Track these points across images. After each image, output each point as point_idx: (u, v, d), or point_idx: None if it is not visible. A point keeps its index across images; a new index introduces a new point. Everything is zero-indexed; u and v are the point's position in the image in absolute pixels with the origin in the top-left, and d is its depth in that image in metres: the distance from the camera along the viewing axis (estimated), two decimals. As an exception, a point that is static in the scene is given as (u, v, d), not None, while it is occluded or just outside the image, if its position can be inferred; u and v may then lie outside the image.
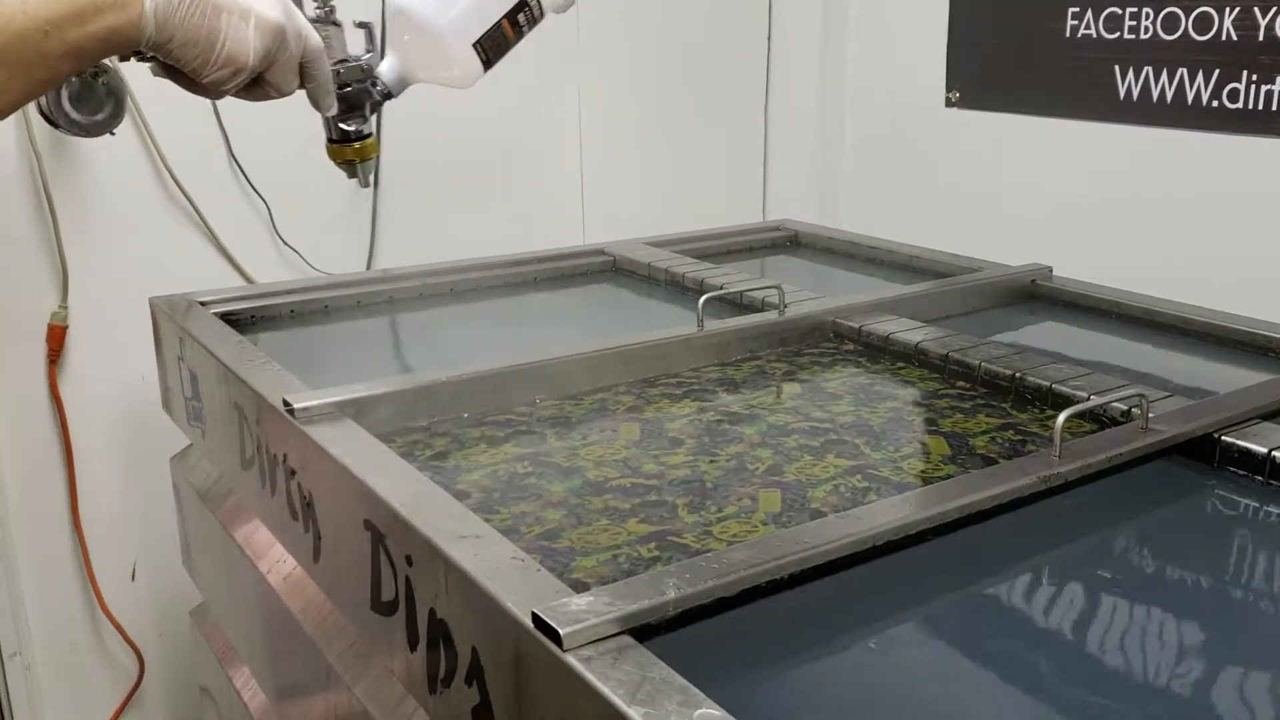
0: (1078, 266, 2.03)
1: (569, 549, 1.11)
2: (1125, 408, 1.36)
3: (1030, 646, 0.98)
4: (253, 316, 1.87)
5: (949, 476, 1.25)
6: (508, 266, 2.08)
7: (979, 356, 1.55)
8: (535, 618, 0.88)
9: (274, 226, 2.41)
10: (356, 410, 1.37)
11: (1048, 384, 1.46)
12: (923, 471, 1.28)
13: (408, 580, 1.10)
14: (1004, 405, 1.47)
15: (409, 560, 1.09)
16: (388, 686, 1.21)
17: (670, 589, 0.92)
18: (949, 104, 2.55)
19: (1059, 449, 1.20)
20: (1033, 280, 1.99)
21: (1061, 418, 1.19)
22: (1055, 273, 2.01)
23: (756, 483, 1.26)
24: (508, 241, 2.39)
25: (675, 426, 1.43)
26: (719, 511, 1.19)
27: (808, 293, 1.83)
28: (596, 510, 1.19)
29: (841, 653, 0.98)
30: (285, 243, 2.42)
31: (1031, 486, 1.15)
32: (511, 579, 0.96)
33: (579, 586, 1.02)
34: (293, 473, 1.37)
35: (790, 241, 2.43)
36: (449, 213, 2.56)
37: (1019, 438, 1.37)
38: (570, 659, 0.85)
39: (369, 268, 2.50)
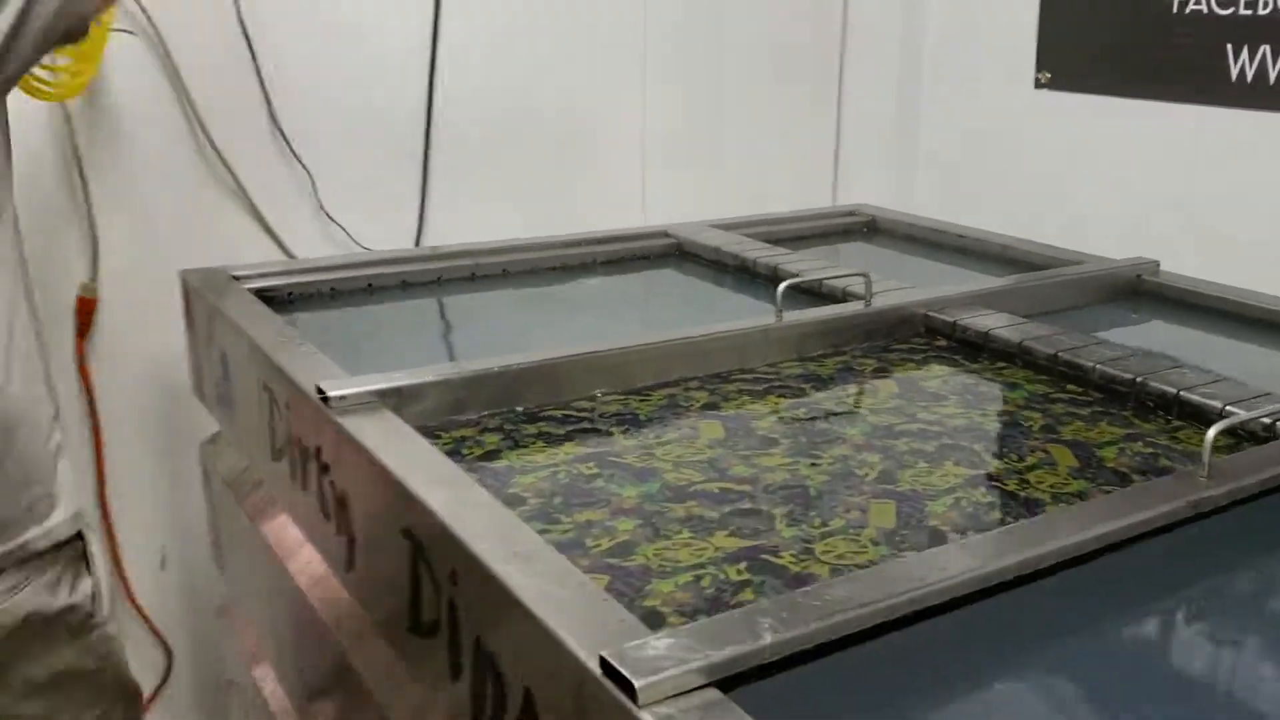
0: (1182, 262, 1.85)
1: (643, 568, 0.95)
2: (1270, 421, 1.19)
3: (1196, 703, 0.82)
4: (290, 294, 1.73)
5: (1081, 493, 1.09)
6: (565, 248, 1.93)
7: (1092, 357, 1.38)
8: (604, 664, 0.73)
9: (317, 198, 2.27)
10: (398, 401, 1.22)
11: (1174, 391, 1.29)
12: (1052, 486, 1.11)
13: (451, 602, 0.95)
14: (1124, 413, 1.30)
15: (453, 578, 0.94)
16: (428, 715, 1.06)
17: (766, 632, 0.76)
18: (1039, 85, 2.36)
19: (1208, 468, 1.03)
20: (1138, 275, 1.81)
21: (1212, 433, 1.02)
22: (1162, 268, 1.83)
23: (866, 491, 1.10)
24: (563, 221, 2.24)
25: (764, 425, 1.27)
26: (823, 525, 1.03)
27: (895, 282, 1.66)
28: (677, 519, 1.04)
29: (965, 706, 0.82)
30: (329, 216, 2.28)
31: (1179, 512, 0.99)
32: (574, 609, 0.81)
33: (654, 618, 0.87)
34: (325, 468, 1.22)
35: (867, 227, 2.26)
36: (502, 189, 2.41)
37: (1149, 450, 1.20)
38: (646, 716, 0.70)
39: (417, 245, 2.36)
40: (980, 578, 0.86)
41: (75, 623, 1.39)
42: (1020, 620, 0.89)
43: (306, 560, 1.42)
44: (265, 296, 1.69)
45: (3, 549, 1.28)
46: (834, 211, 2.32)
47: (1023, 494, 1.10)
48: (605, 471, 1.14)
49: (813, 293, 1.70)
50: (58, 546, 1.35)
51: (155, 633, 2.34)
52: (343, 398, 1.19)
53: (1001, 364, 1.46)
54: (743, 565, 0.96)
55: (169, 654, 2.37)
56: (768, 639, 0.76)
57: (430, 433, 1.22)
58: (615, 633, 0.78)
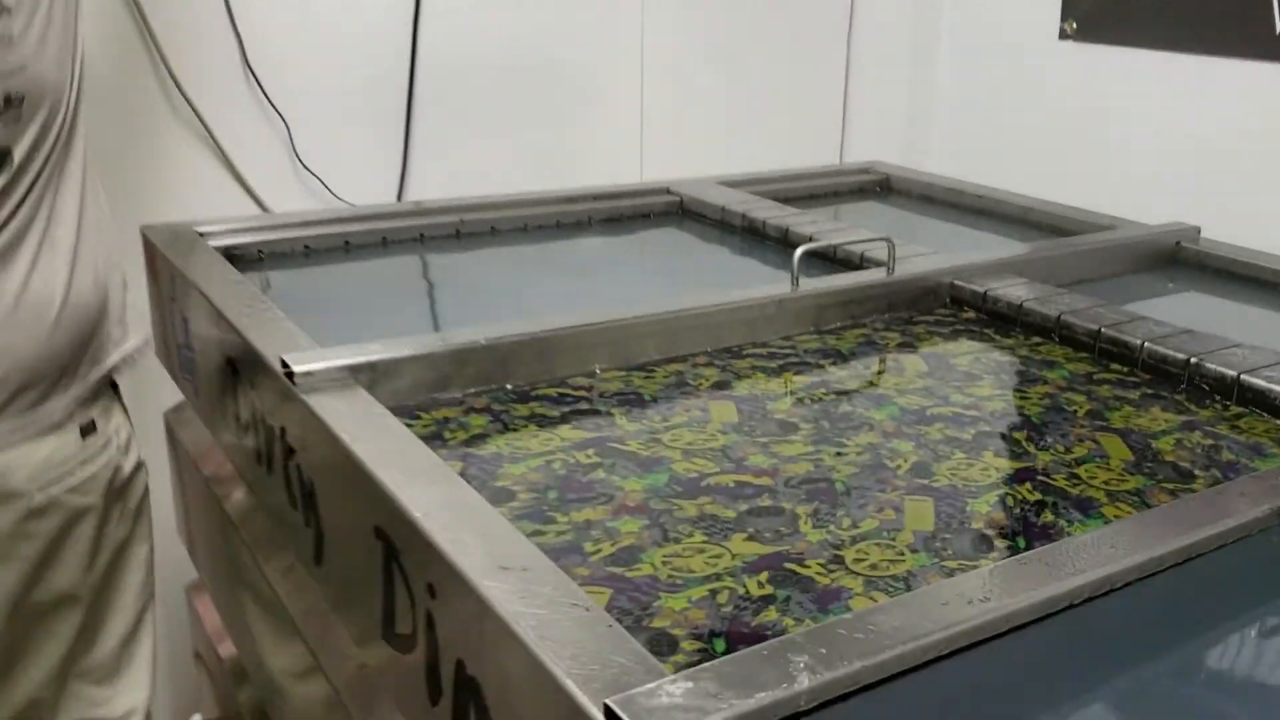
0: (1221, 228, 1.72)
1: (650, 580, 0.83)
2: (1346, 410, 1.07)
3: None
4: (260, 252, 1.60)
5: (1139, 491, 0.97)
6: (559, 204, 1.80)
7: (1139, 334, 1.26)
8: (609, 713, 0.60)
9: (294, 149, 2.13)
10: (373, 377, 1.09)
11: (1233, 374, 1.17)
12: (1106, 483, 0.99)
13: (429, 616, 0.82)
14: (1177, 397, 1.18)
15: (431, 591, 0.81)
16: (403, 733, 0.94)
17: (802, 673, 0.64)
18: (1064, 35, 2.22)
19: (1289, 466, 0.91)
20: (1177, 243, 1.68)
21: (1295, 425, 0.90)
22: (1203, 235, 1.70)
23: (900, 487, 0.98)
24: (556, 176, 2.10)
25: (781, 407, 1.14)
26: (853, 527, 0.91)
27: (917, 248, 1.53)
28: (688, 519, 0.91)
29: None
30: (306, 168, 2.14)
31: (1261, 521, 0.87)
32: (572, 639, 0.68)
33: (665, 643, 0.75)
34: (291, 451, 1.10)
35: (880, 186, 2.13)
36: (491, 140, 2.26)
37: (1210, 442, 1.08)
38: (663, 782, 0.57)
39: (399, 199, 2.22)
40: (1045, 601, 0.73)
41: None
42: (1092, 644, 0.77)
43: (276, 548, 1.30)
44: (232, 255, 1.56)
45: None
46: (846, 169, 2.18)
47: (1074, 491, 0.97)
48: (606, 461, 1.01)
49: (827, 258, 1.57)
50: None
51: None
52: (309, 374, 1.06)
53: (1037, 339, 1.34)
54: (764, 576, 0.84)
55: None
56: (804, 683, 0.63)
57: (409, 413, 1.09)
58: (621, 669, 0.65)
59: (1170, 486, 0.98)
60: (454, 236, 1.71)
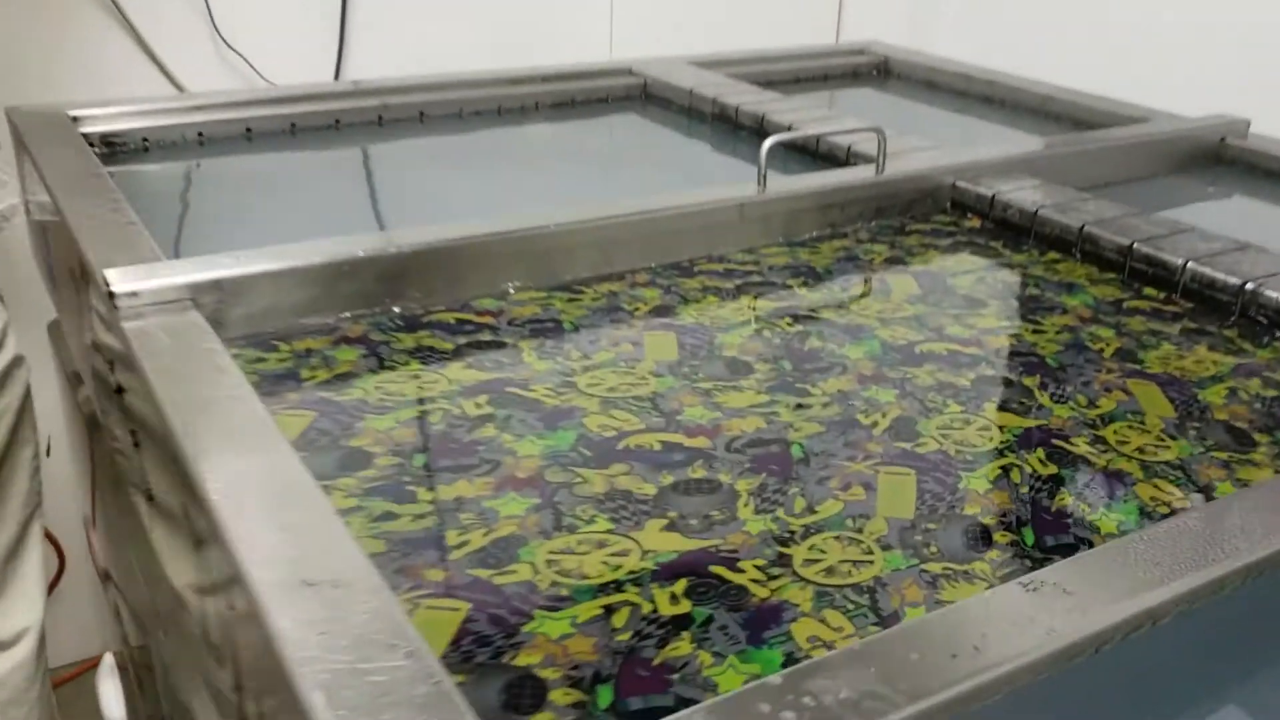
0: (1274, 121, 1.47)
1: (526, 589, 0.61)
2: None
3: None
4: (145, 141, 1.35)
5: (1182, 464, 0.75)
6: (501, 86, 1.55)
7: (1181, 251, 1.02)
8: None
9: (213, 24, 1.87)
10: (220, 298, 0.87)
11: (1297, 302, 0.94)
12: (1141, 449, 0.77)
13: (229, 629, 0.61)
14: (1226, 332, 0.95)
15: (230, 603, 0.60)
16: None
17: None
18: (1094, -100, 1.94)
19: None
20: (1222, 138, 1.43)
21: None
22: (1252, 130, 1.45)
23: (875, 454, 0.76)
24: (516, 54, 1.85)
25: (734, 341, 0.92)
26: (809, 511, 0.69)
27: (914, 141, 1.29)
28: (593, 498, 0.70)
29: None
30: (227, 44, 1.88)
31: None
32: (369, 705, 0.47)
33: (529, 694, 0.53)
34: (120, 390, 0.88)
35: (878, 70, 1.87)
36: (442, 15, 2.00)
37: (1272, 393, 0.85)
38: None
39: (336, 79, 1.97)
40: (1069, 648, 0.52)
41: None
42: (1128, 682, 0.55)
43: (134, 488, 1.08)
44: (111, 143, 1.32)
45: None
46: (839, 50, 1.91)
47: (1100, 461, 0.76)
48: (501, 412, 0.79)
49: (807, 151, 1.33)
50: None
51: (44, 531, 2.02)
52: (134, 294, 0.84)
53: (1055, 255, 1.11)
54: (681, 585, 0.62)
55: (60, 554, 2.07)
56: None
57: (265, 344, 0.87)
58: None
59: (1223, 457, 0.76)
60: (375, 124, 1.47)
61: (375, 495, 0.69)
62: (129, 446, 0.90)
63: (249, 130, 1.41)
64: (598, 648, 0.57)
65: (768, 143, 1.08)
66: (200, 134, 1.39)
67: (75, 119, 1.33)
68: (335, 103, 1.46)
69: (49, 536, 2.01)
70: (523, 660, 0.56)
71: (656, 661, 0.56)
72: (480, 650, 0.56)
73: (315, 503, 0.62)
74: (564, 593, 0.61)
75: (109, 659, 1.47)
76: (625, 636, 0.58)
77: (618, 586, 0.62)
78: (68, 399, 1.47)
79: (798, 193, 1.12)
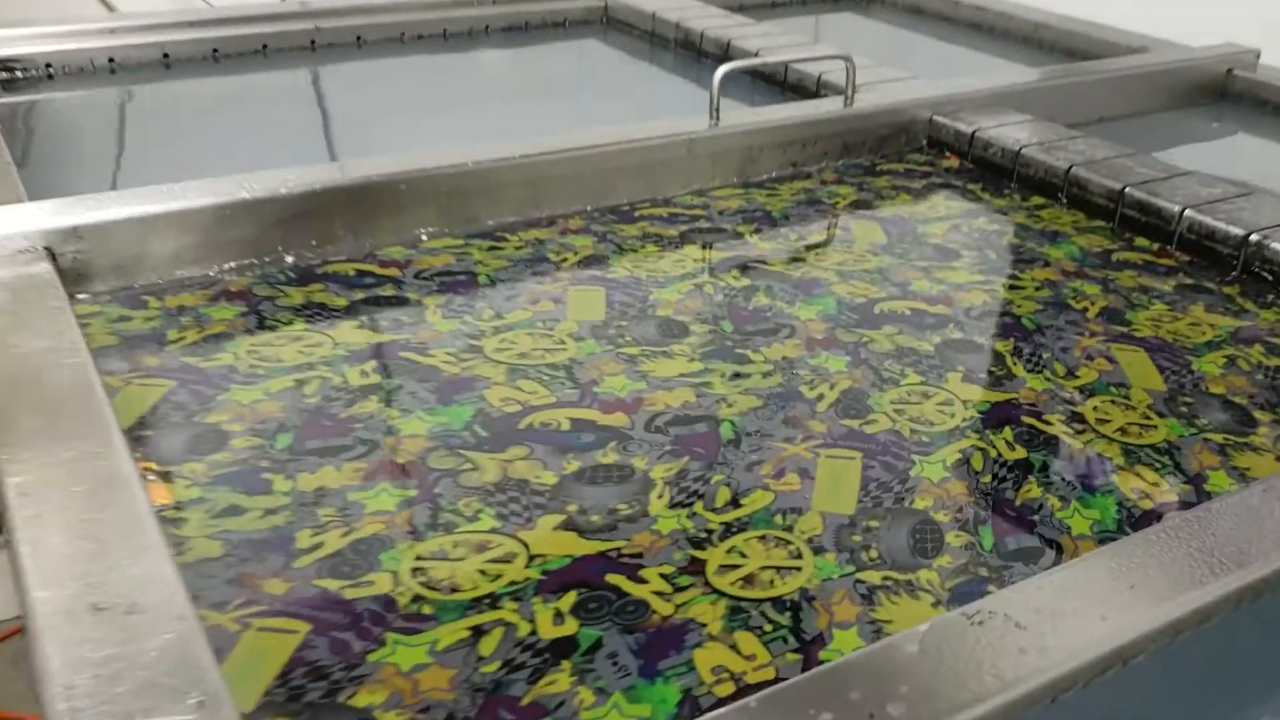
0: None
1: (382, 605, 0.51)
2: None
3: None
4: (49, 67, 1.24)
5: (1171, 448, 0.65)
6: (448, 9, 1.42)
7: (1177, 197, 0.92)
8: None
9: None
10: (82, 247, 0.76)
11: (1307, 255, 0.83)
12: (1124, 430, 0.67)
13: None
14: (1226, 288, 0.85)
15: (23, 627, 0.50)
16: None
17: None
18: None
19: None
20: (1229, 70, 1.32)
21: None
22: (1262, 60, 1.33)
23: (817, 434, 0.66)
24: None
25: (670, 298, 0.81)
26: (732, 504, 0.59)
27: (888, 71, 1.17)
28: (481, 489, 0.60)
29: None
30: (162, -37, 1.75)
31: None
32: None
33: (359, 748, 0.44)
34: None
35: (860, -4, 1.74)
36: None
37: (1276, 362, 0.75)
38: None
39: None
40: (1021, 697, 0.42)
41: None
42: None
43: None
44: (10, 69, 1.21)
45: None
46: (819, -27, 1.79)
47: (1076, 444, 0.65)
48: (390, 382, 0.69)
49: (772, 80, 1.22)
50: None
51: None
52: (-22, 241, 0.73)
53: (1039, 200, 1.00)
54: (570, 599, 0.52)
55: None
56: None
57: (134, 299, 0.77)
58: None
59: (1218, 440, 0.66)
60: (308, 49, 1.35)
61: (223, 484, 0.59)
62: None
63: (166, 56, 1.29)
64: (456, 683, 0.47)
65: (720, 71, 0.97)
66: (112, 60, 1.27)
67: (-28, 42, 1.21)
68: (263, 26, 1.34)
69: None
70: (362, 699, 0.46)
71: (525, 701, 0.46)
72: (313, 685, 0.47)
73: (131, 502, 0.51)
74: (426, 610, 0.51)
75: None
76: (492, 668, 0.48)
77: (492, 602, 0.52)
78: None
79: (754, 127, 1.01)
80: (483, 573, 0.53)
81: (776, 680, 0.48)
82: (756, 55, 1.22)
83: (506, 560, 0.54)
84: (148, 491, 0.53)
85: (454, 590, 0.52)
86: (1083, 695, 0.44)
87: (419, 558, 0.54)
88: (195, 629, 0.44)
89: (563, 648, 0.49)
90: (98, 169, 1.03)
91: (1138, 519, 0.59)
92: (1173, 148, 1.17)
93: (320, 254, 0.83)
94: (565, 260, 0.86)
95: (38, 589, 0.46)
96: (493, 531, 0.56)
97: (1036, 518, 0.59)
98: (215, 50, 1.30)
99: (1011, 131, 1.05)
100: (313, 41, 1.34)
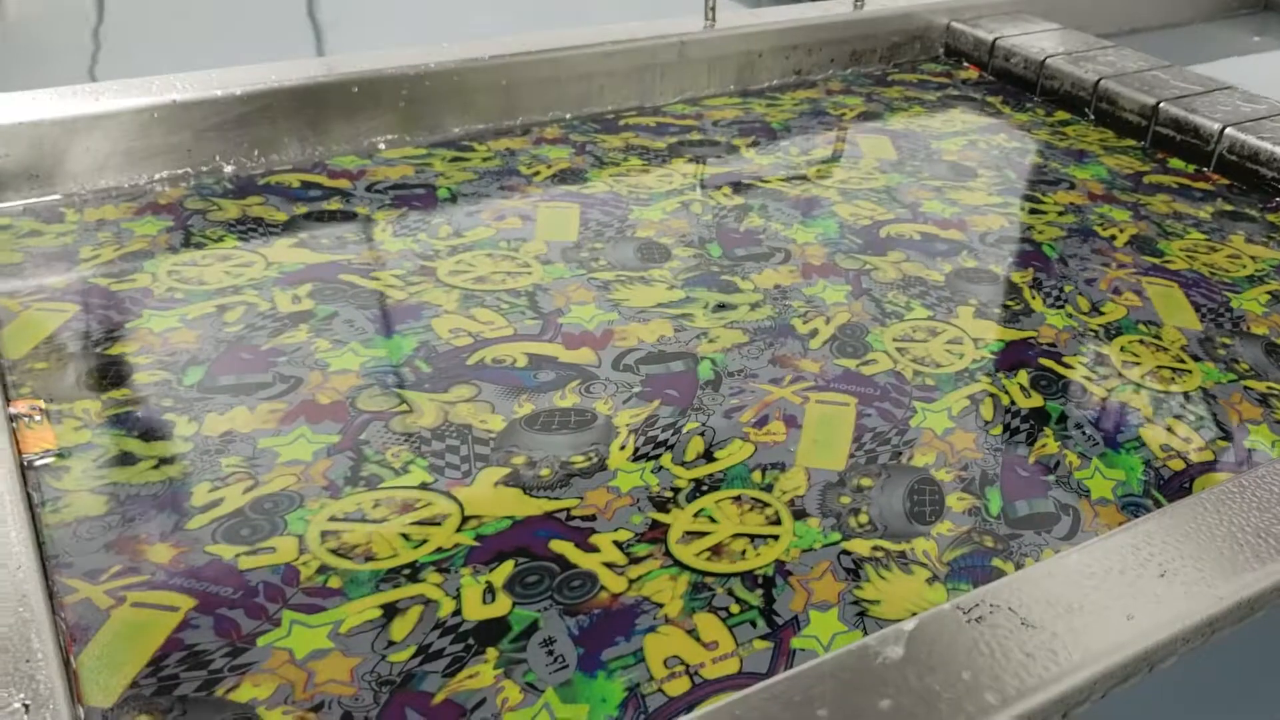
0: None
1: (284, 575, 0.44)
2: None
3: None
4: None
5: (1206, 395, 0.57)
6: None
7: (1217, 114, 0.82)
8: None
9: None
10: (9, 149, 0.68)
11: (1362, 180, 0.74)
12: (1154, 374, 0.59)
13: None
14: (1270, 216, 0.76)
15: None
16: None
17: None
18: None
19: None
20: (1275, -23, 1.21)
21: None
22: (1311, -34, 1.23)
23: (809, 376, 0.58)
24: None
25: (652, 218, 0.73)
26: (705, 457, 0.52)
27: (905, -28, 1.07)
28: (414, 434, 0.52)
29: None
30: None
31: None
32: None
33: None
34: None
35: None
36: None
37: (1326, 300, 0.67)
38: None
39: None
40: (1074, 690, 0.35)
41: None
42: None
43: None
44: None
45: None
46: None
47: (1098, 391, 0.57)
48: (323, 308, 0.61)
49: (780, -16, 1.11)
50: None
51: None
52: None
53: (1064, 115, 0.91)
54: (506, 570, 0.45)
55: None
56: None
57: (51, 211, 0.69)
58: None
59: (1260, 389, 0.58)
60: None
61: (118, 426, 0.51)
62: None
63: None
64: (359, 675, 0.40)
65: (715, -34, 0.87)
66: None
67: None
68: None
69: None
70: (244, 693, 0.39)
71: (438, 699, 0.39)
72: (188, 675, 0.40)
73: (-8, 450, 0.44)
74: (333, 583, 0.44)
75: None
76: (404, 655, 0.41)
77: (412, 574, 0.44)
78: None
79: (754, 30, 0.91)
80: (405, 537, 0.46)
81: (740, 675, 0.40)
82: (761, -47, 1.12)
83: (435, 523, 0.47)
84: (23, 438, 0.46)
85: (368, 559, 0.45)
86: (1098, 708, 0.36)
87: (332, 519, 0.47)
88: (38, 611, 0.37)
89: (490, 631, 0.42)
90: (62, 58, 0.95)
91: (1167, 481, 0.51)
92: (1212, 61, 1.07)
93: (263, 164, 0.75)
94: (538, 174, 0.77)
95: None
96: (423, 487, 0.49)
97: (1052, 478, 0.51)
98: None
99: (1036, 40, 0.95)
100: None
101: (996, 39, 0.95)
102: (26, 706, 0.33)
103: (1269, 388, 0.58)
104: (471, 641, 0.42)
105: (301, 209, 0.71)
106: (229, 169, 0.74)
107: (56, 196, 0.70)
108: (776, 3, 1.07)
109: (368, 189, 0.74)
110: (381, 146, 0.78)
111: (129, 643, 0.41)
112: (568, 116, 0.84)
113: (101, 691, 0.38)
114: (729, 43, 0.90)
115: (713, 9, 0.89)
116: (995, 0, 1.03)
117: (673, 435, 0.53)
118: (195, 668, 0.40)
